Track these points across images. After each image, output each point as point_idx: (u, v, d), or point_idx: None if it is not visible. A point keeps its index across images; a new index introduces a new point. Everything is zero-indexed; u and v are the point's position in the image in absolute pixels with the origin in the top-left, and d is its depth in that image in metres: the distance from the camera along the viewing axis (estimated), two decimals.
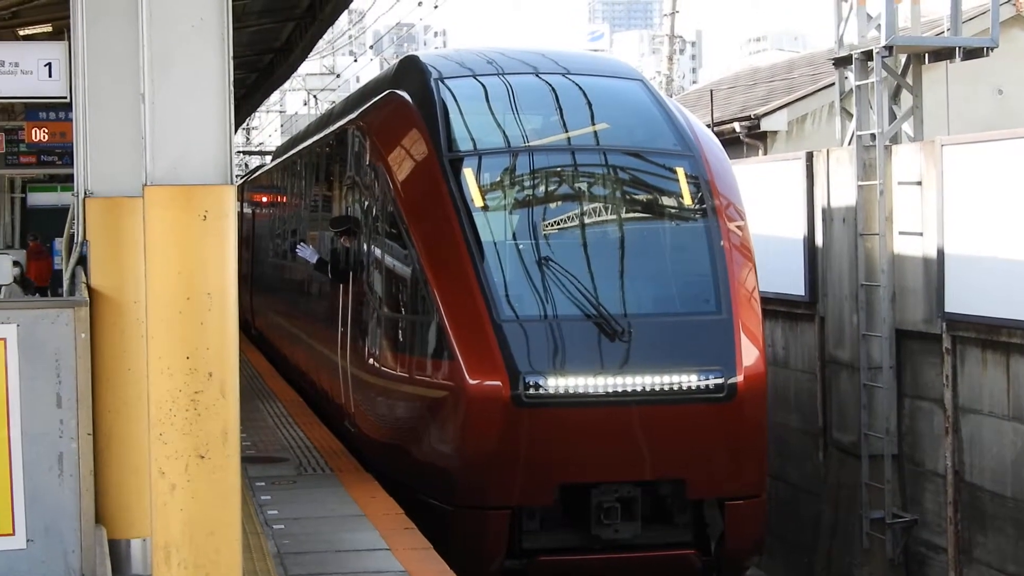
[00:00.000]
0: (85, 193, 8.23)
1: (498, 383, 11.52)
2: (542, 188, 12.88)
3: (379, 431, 13.28)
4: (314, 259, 15.38)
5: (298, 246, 17.06)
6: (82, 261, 8.57)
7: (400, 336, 12.76)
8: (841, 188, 17.15)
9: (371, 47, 57.16)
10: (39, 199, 39.46)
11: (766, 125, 24.88)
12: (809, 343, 18.10)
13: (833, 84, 19.27)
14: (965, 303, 14.75)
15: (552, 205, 12.86)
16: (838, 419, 17.30)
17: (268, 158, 38.21)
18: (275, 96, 61.09)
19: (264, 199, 26.78)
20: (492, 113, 13.52)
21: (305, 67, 55.02)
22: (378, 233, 13.29)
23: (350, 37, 52.02)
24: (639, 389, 11.63)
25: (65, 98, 14.09)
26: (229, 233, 6.48)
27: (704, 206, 12.72)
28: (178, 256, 6.41)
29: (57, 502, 7.17)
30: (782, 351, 18.79)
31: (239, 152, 68.49)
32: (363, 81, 19.53)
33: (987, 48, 17.18)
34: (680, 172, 12.96)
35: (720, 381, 11.76)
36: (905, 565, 16.02)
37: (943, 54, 17.34)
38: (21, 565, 7.16)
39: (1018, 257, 13.98)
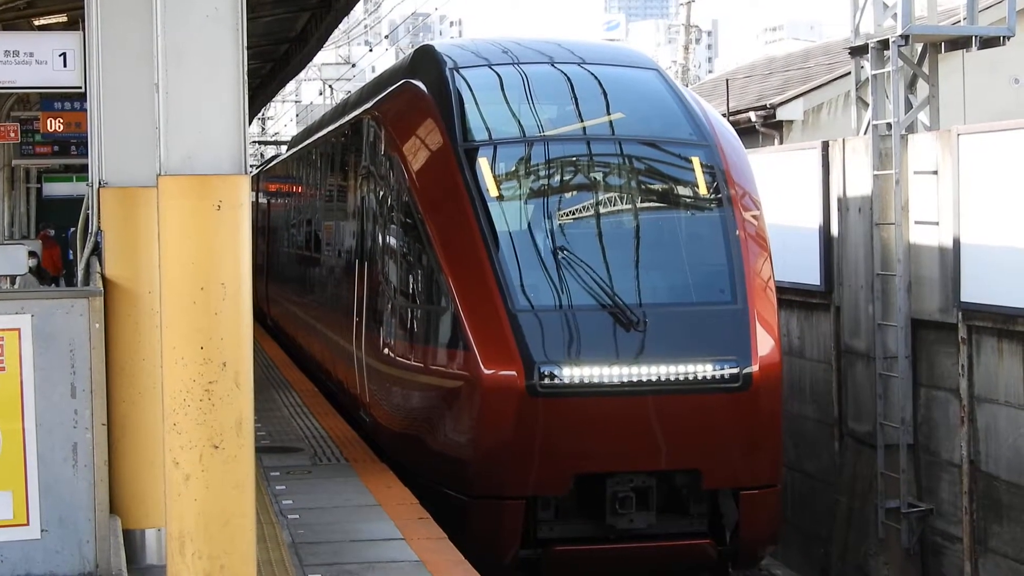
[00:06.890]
0: (99, 183, 8.24)
1: (513, 373, 11.51)
2: (557, 178, 12.86)
3: (394, 421, 13.28)
4: None
5: None
6: (96, 251, 8.58)
7: (415, 326, 12.75)
8: (857, 178, 17.10)
9: (386, 37, 57.25)
10: (54, 189, 39.44)
11: (782, 115, 24.78)
12: (825, 333, 18.05)
13: (849, 73, 19.21)
14: (981, 292, 14.70)
15: (567, 195, 12.85)
16: (854, 409, 17.26)
17: (284, 148, 38.18)
18: (291, 86, 61.09)
19: (279, 189, 26.80)
20: (507, 103, 13.51)
21: (320, 57, 54.90)
22: (393, 223, 13.28)
23: (366, 27, 52.03)
24: (654, 379, 11.63)
25: (80, 88, 14.06)
26: (243, 223, 6.46)
27: (719, 196, 12.70)
28: (192, 246, 6.39)
29: (71, 492, 7.18)
30: (797, 341, 18.75)
31: (254, 142, 68.52)
32: (378, 71, 19.50)
33: (1004, 37, 17.08)
34: (695, 162, 12.94)
35: (735, 371, 11.76)
36: (920, 555, 15.98)
37: (959, 43, 17.26)
38: (36, 555, 7.17)
39: None
